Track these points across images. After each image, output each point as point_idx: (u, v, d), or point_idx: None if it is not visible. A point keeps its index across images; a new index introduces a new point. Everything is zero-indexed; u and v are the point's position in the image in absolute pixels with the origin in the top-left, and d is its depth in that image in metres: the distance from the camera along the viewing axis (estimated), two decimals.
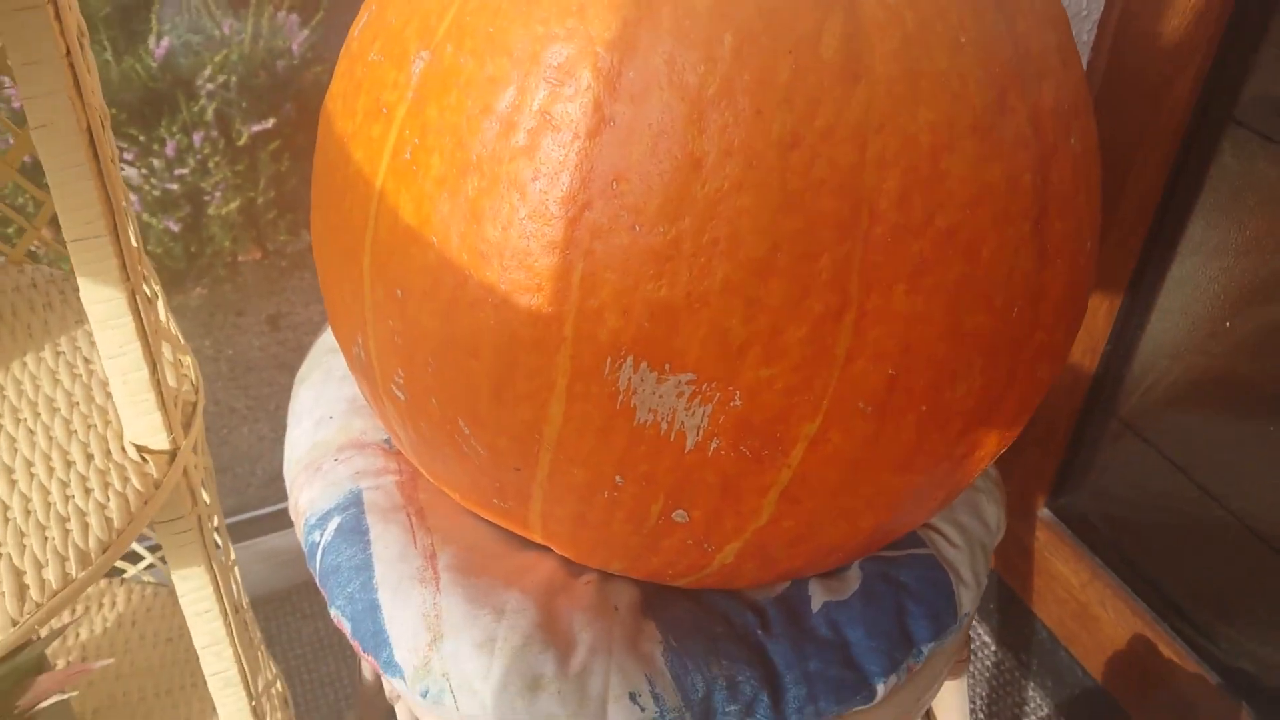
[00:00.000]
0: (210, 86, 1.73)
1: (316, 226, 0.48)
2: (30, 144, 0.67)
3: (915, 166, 0.37)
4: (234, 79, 1.75)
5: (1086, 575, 0.86)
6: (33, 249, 0.77)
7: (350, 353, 0.48)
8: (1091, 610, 0.85)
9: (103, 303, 0.50)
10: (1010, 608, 0.95)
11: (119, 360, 0.52)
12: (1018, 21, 0.40)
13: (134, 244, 0.52)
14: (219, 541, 0.67)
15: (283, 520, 1.16)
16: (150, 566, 0.89)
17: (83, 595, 0.88)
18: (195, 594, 0.61)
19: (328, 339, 0.64)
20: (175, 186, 1.78)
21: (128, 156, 1.83)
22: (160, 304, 0.62)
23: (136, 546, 0.90)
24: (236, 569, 0.71)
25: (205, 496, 0.62)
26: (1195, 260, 0.74)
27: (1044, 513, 0.91)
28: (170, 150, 1.75)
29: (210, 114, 1.71)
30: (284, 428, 1.07)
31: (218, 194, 1.78)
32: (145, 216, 1.80)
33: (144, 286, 0.54)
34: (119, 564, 0.89)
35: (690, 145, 0.36)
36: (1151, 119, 0.68)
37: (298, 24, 1.89)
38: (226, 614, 0.62)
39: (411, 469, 0.55)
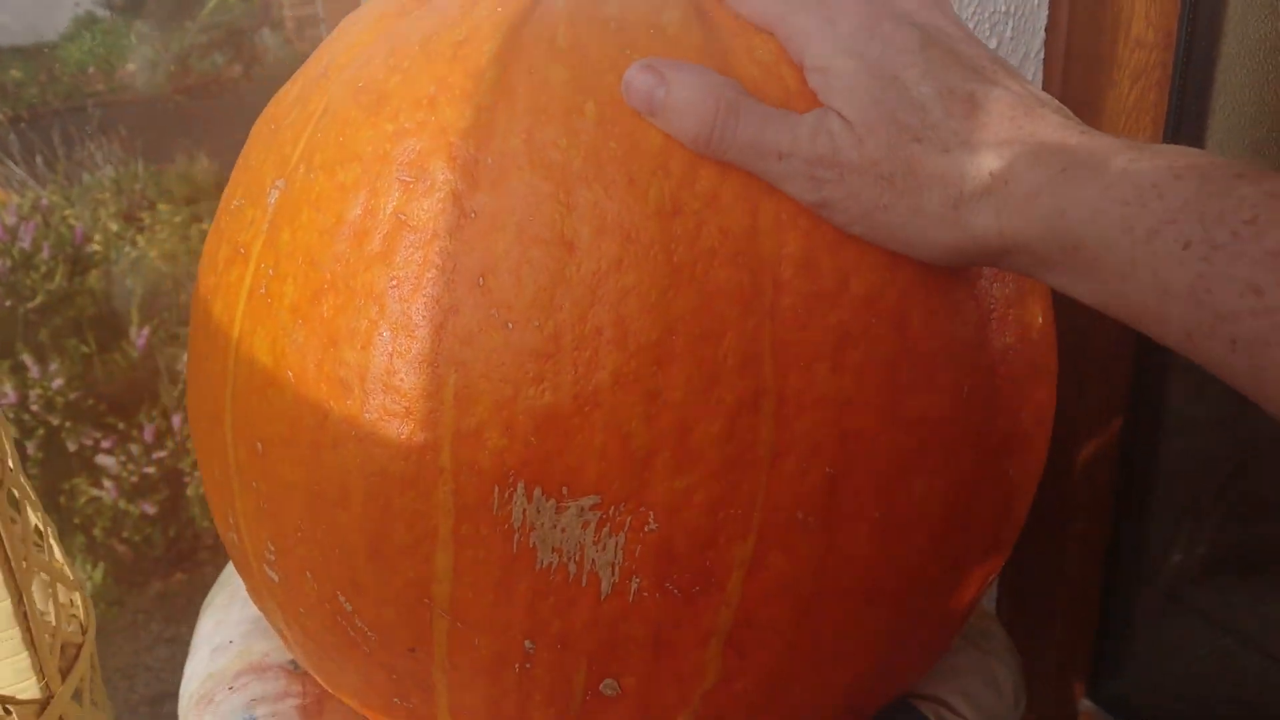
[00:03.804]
0: None
1: (189, 401, 0.43)
2: None
3: (817, 225, 0.32)
4: None
5: None
6: None
7: (227, 539, 0.42)
8: None
9: None
10: None
11: None
12: None
13: (5, 444, 0.47)
14: None
15: None
16: None
17: None
18: None
19: None
20: (153, 470, 1.74)
21: (106, 444, 1.81)
22: (51, 536, 0.56)
23: None
24: None
25: None
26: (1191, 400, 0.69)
27: (1085, 704, 0.80)
28: (149, 435, 1.73)
29: None
30: None
31: (197, 473, 1.74)
32: (122, 503, 1.76)
33: (11, 511, 0.48)
34: None
35: (560, 226, 0.32)
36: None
37: None
38: None
39: (317, 690, 0.47)
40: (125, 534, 1.80)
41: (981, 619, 0.52)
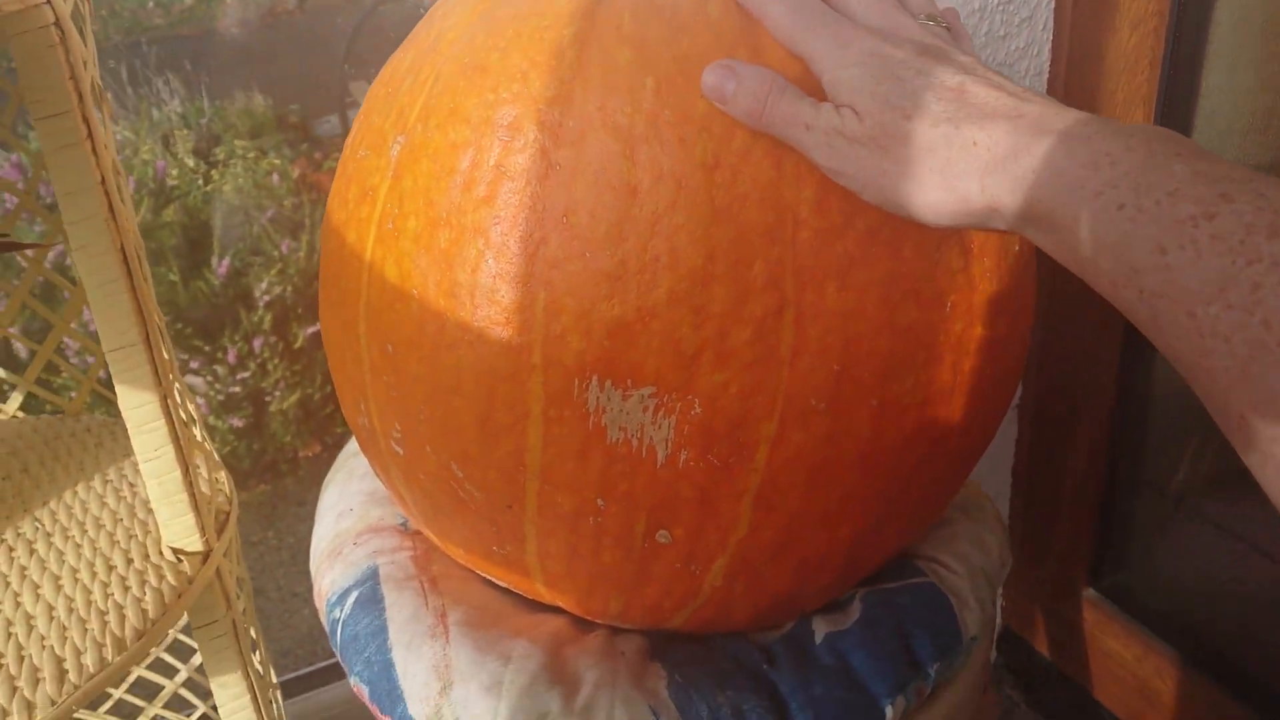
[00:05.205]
0: (268, 297, 1.87)
1: (322, 314, 0.54)
2: (84, 297, 0.74)
3: (827, 177, 0.41)
4: (290, 289, 1.89)
5: (1140, 650, 0.83)
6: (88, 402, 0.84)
7: (356, 424, 0.52)
8: (1151, 684, 0.82)
9: (138, 407, 0.55)
10: (1070, 695, 0.92)
11: (154, 463, 0.57)
12: None
13: (166, 356, 0.58)
14: (259, 665, 0.69)
15: (345, 691, 1.16)
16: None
17: None
18: (234, 703, 0.63)
19: (351, 446, 0.68)
20: (238, 389, 1.89)
21: (194, 365, 1.96)
22: (197, 428, 0.67)
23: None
24: (278, 693, 0.73)
25: (241, 605, 0.65)
26: None
27: (1089, 593, 0.89)
28: (232, 357, 1.87)
29: (268, 322, 1.84)
30: None
31: (277, 392, 1.89)
32: (211, 419, 1.91)
33: (178, 400, 0.59)
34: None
35: (626, 175, 0.41)
36: None
37: None
38: None
39: (425, 545, 0.58)
40: (216, 446, 1.96)
41: (976, 497, 0.61)
